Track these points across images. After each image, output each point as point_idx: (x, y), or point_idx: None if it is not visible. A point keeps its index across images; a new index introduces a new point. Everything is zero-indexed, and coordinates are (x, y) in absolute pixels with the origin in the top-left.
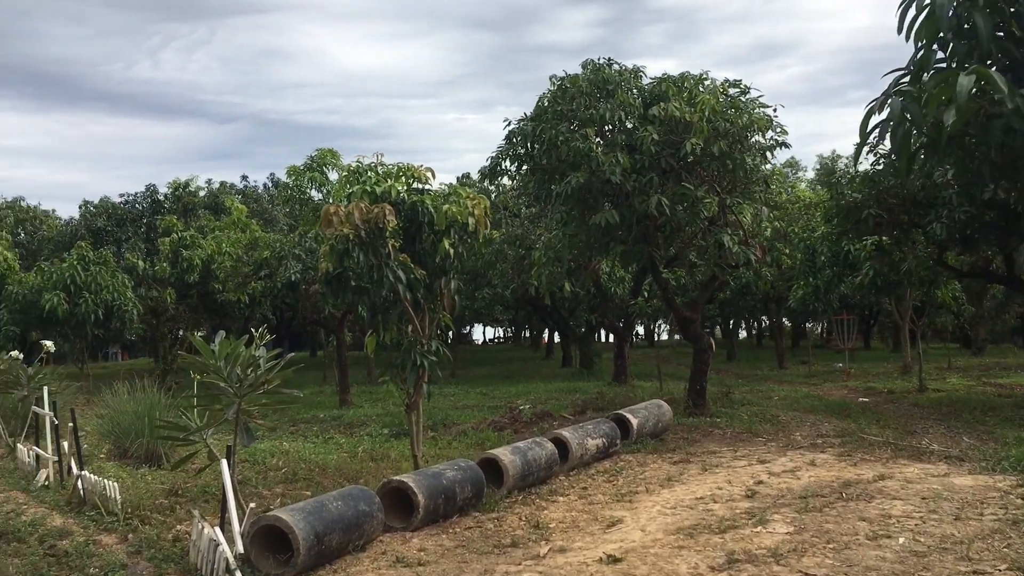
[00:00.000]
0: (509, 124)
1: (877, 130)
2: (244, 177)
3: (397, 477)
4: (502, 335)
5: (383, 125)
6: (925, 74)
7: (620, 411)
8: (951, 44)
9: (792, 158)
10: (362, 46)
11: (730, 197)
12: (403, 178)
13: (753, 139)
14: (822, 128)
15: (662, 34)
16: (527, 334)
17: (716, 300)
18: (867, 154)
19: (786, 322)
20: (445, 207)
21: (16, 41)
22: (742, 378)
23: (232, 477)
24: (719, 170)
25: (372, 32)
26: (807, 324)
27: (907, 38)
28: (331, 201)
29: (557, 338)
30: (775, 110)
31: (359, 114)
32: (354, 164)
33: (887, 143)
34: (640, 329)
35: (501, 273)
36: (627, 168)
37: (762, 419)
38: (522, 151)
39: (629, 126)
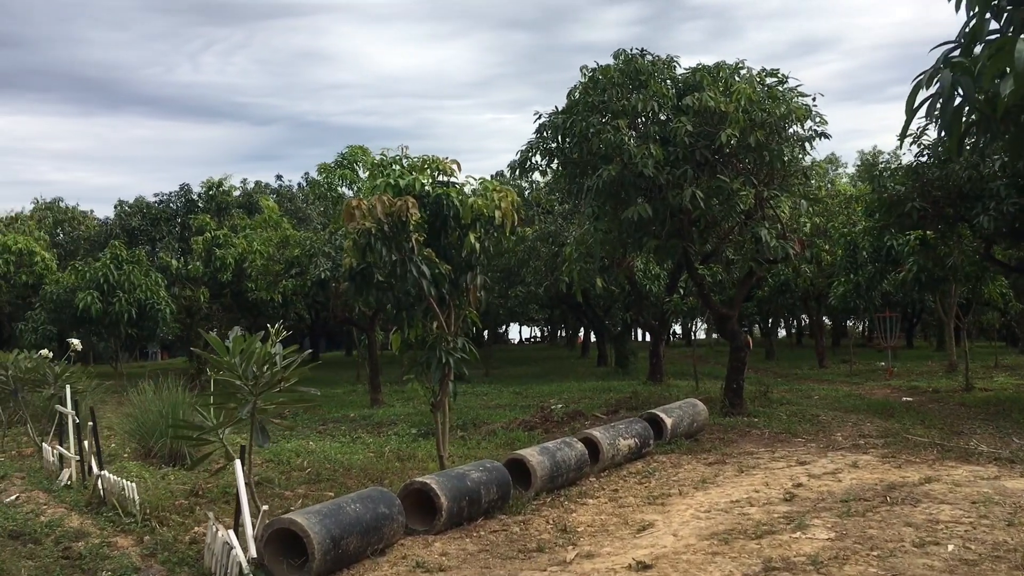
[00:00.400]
0: (540, 117)
1: (925, 106)
2: (279, 176)
3: (419, 478)
4: (538, 334)
5: (420, 125)
6: (978, 46)
7: (653, 410)
8: (1006, 12)
9: (832, 154)
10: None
11: (767, 190)
12: (428, 171)
13: (791, 130)
14: (862, 124)
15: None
16: (563, 333)
17: (754, 298)
18: (910, 145)
19: (826, 320)
20: (471, 200)
21: (59, 46)
22: (781, 377)
23: (250, 478)
24: (756, 162)
25: (408, 33)
26: (848, 322)
27: (957, 7)
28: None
29: (593, 337)
30: (814, 99)
31: (396, 115)
32: (379, 157)
33: (931, 134)
34: (677, 328)
35: (534, 271)
36: (660, 160)
37: (801, 419)
38: (553, 145)
39: (663, 117)
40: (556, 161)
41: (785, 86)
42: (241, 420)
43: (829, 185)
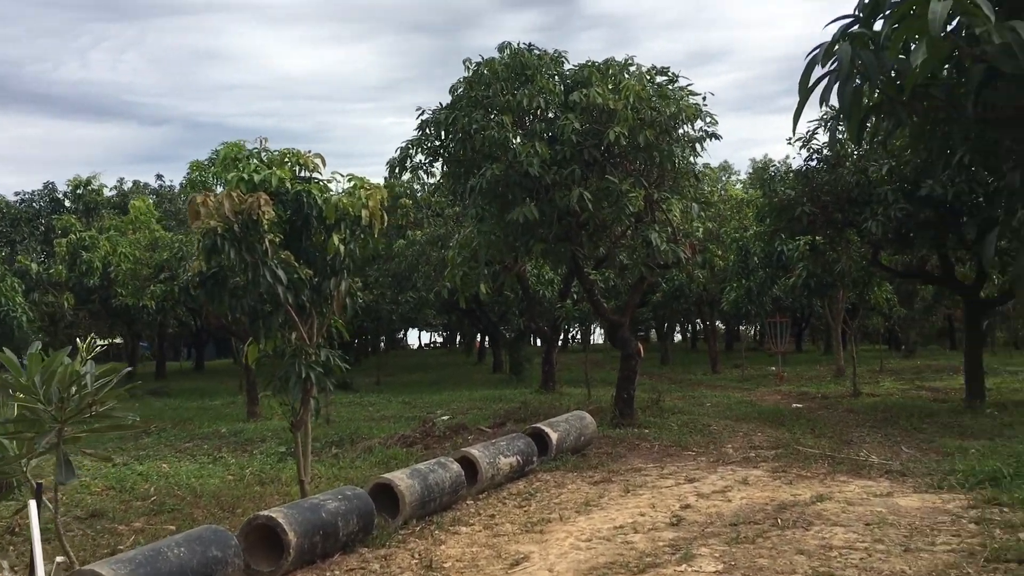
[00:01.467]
0: (423, 113)
1: (821, 87)
2: (159, 176)
3: (265, 511)
4: (438, 340)
5: (320, 129)
6: (879, 20)
7: (538, 424)
8: None
9: (725, 161)
10: (299, 49)
11: (658, 192)
12: (288, 165)
13: (681, 130)
14: (754, 134)
15: (599, 40)
16: (461, 339)
17: (649, 303)
18: (800, 150)
19: (719, 325)
20: (335, 198)
21: None
22: (675, 383)
23: (56, 519)
24: (646, 162)
25: (309, 35)
26: (740, 327)
27: None
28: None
29: (489, 343)
30: (704, 99)
31: (296, 117)
32: (234, 150)
33: (821, 138)
34: (576, 333)
35: (425, 275)
36: (546, 159)
37: (693, 429)
38: (436, 143)
39: (550, 115)
40: (440, 160)
41: (675, 85)
42: (44, 452)
43: (723, 191)
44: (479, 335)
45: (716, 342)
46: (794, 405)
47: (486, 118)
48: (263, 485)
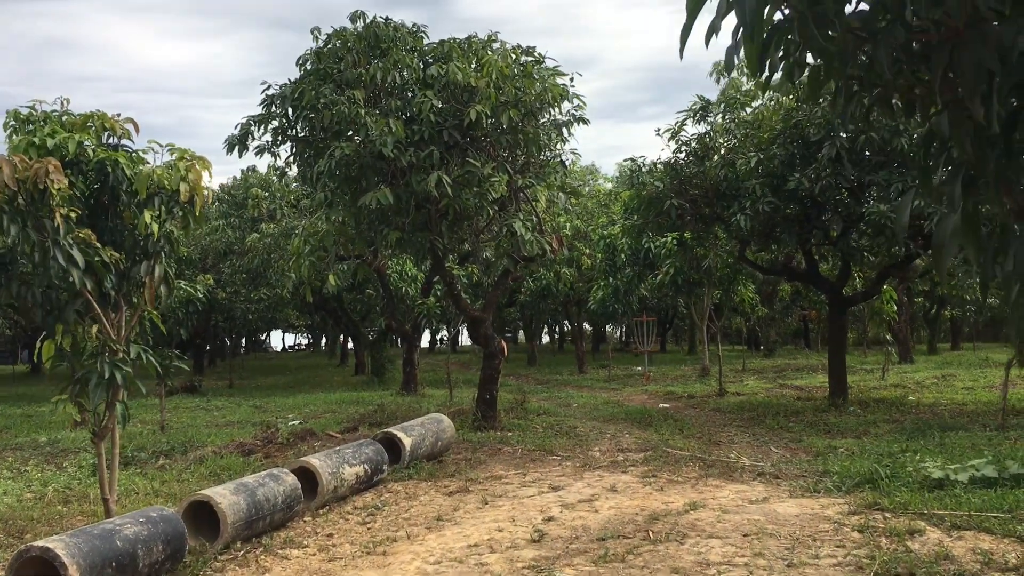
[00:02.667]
0: (268, 87)
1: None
2: None
3: (40, 542)
4: (304, 342)
5: (183, 123)
6: None
7: (390, 429)
8: None
9: (592, 163)
10: (162, 41)
11: (522, 178)
12: (92, 130)
13: (549, 116)
14: (620, 142)
15: None
16: (326, 341)
17: (516, 303)
18: (668, 141)
19: (586, 325)
20: (147, 169)
21: None
22: (541, 383)
23: None
24: (510, 146)
25: (171, 27)
26: (607, 327)
27: None
28: None
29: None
30: (571, 79)
31: (157, 111)
32: (25, 111)
33: (690, 129)
34: (444, 333)
35: (279, 270)
36: (402, 140)
37: (558, 432)
38: (284, 122)
39: (407, 93)
40: (286, 140)
41: (541, 66)
42: None
43: (589, 185)
44: (342, 336)
45: (583, 342)
46: (661, 405)
47: (336, 93)
48: (67, 504)
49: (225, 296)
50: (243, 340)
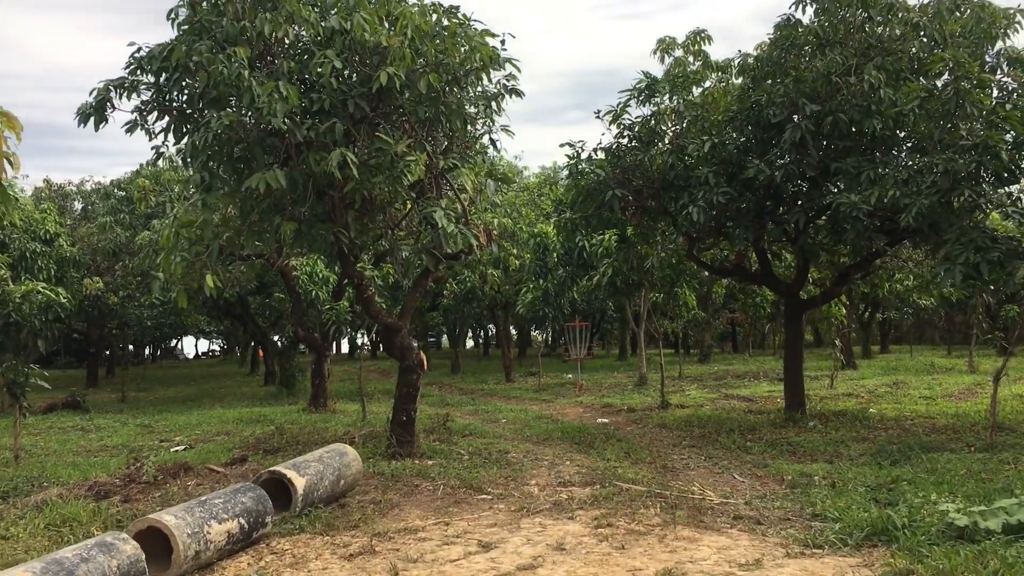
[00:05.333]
0: (139, 49)
1: None
2: None
3: None
4: (217, 349)
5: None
6: None
7: (279, 468)
8: None
9: (518, 157)
10: (71, 38)
11: (445, 159)
12: None
13: (477, 86)
14: (543, 146)
15: None
16: (239, 348)
17: (439, 306)
18: (609, 125)
19: (513, 330)
20: None
21: None
22: (466, 394)
23: None
24: (429, 118)
25: (82, 24)
26: (536, 331)
27: None
28: None
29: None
30: (503, 42)
31: (67, 110)
32: None
33: (633, 112)
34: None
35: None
36: (296, 108)
37: (487, 459)
38: (156, 90)
39: (304, 53)
40: (161, 113)
41: (467, 26)
42: None
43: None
44: (252, 343)
45: (510, 348)
46: (600, 420)
47: (213, 51)
48: None
49: (118, 301)
50: (149, 348)
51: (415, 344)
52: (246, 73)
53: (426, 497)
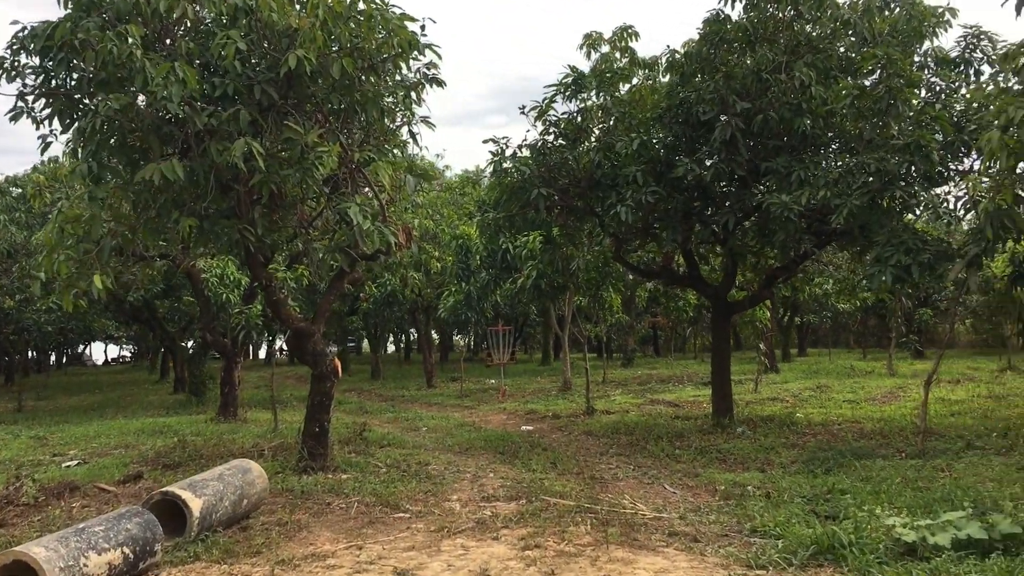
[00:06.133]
0: (23, 29)
1: None
2: None
3: None
4: (128, 355)
5: None
6: None
7: (172, 488)
8: None
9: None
10: None
11: (360, 151)
12: None
13: (396, 73)
14: (467, 148)
15: None
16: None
17: (359, 310)
18: (535, 122)
19: (435, 334)
20: None
21: None
22: (386, 400)
23: None
24: (343, 107)
25: None
26: (457, 335)
27: None
28: None
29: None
30: (423, 27)
31: None
32: None
33: (559, 108)
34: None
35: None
36: (196, 92)
37: (406, 472)
38: (40, 75)
39: (204, 34)
40: (49, 98)
41: (385, 10)
42: None
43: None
44: (163, 349)
45: (432, 353)
46: (524, 428)
47: (103, 28)
48: None
49: (14, 304)
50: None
51: (329, 350)
52: (139, 53)
53: (338, 517)
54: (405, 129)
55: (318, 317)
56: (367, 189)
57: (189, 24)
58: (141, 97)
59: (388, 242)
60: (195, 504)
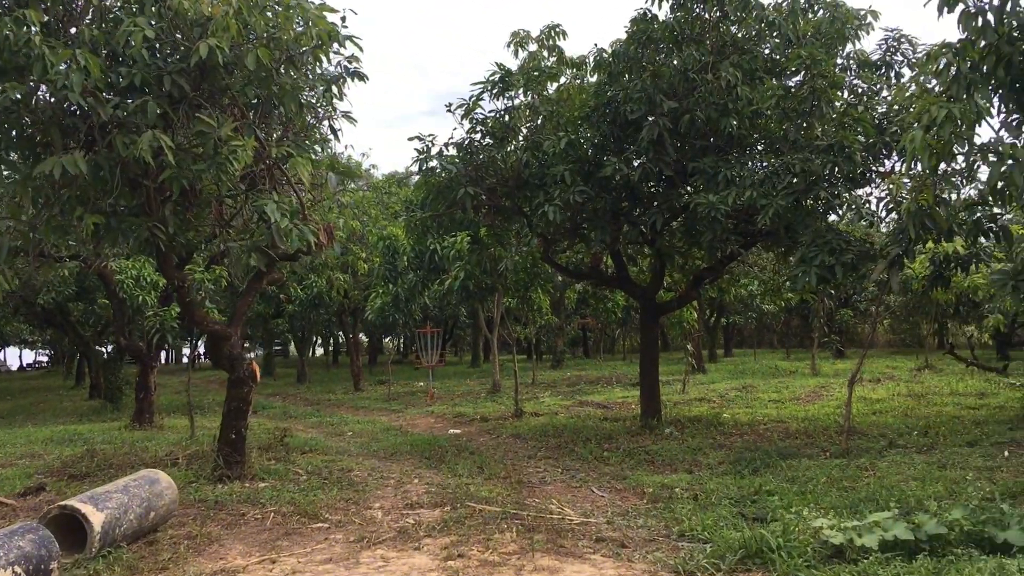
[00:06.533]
0: None
1: None
2: None
3: None
4: (44, 359)
5: None
6: None
7: (72, 501)
8: None
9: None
10: None
11: (277, 146)
12: None
13: (315, 67)
14: (399, 150)
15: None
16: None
17: (285, 313)
18: (462, 120)
19: (363, 337)
20: None
21: None
22: (312, 404)
23: None
24: (259, 100)
25: None
26: (386, 338)
27: None
28: None
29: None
30: (344, 19)
31: None
32: None
33: (486, 105)
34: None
35: None
36: (101, 82)
37: (327, 479)
38: None
39: (111, 21)
40: None
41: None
42: None
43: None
44: (77, 354)
45: (360, 356)
46: (451, 431)
47: (0, 13)
48: None
49: None
50: None
51: (247, 355)
52: (38, 40)
53: (252, 528)
54: (327, 124)
55: (235, 320)
56: (286, 185)
57: (94, 11)
58: (44, 87)
59: (308, 241)
60: (96, 518)
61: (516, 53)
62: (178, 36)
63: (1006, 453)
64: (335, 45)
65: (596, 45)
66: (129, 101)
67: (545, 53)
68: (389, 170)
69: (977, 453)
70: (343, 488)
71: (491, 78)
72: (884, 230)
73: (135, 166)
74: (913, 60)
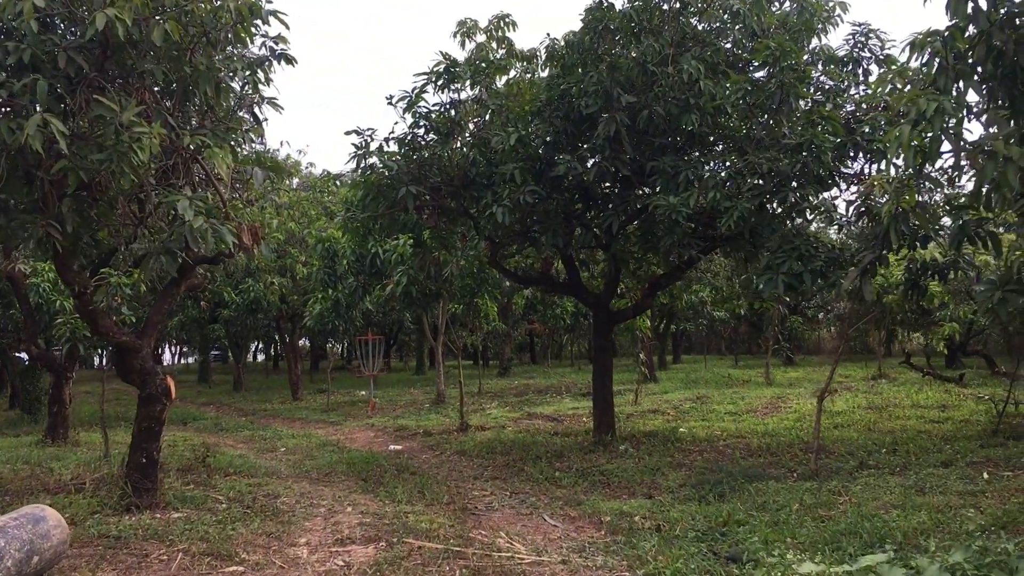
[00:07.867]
0: None
1: None
2: None
3: None
4: None
5: None
6: None
7: None
8: None
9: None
10: None
11: (193, 135)
12: None
13: (236, 46)
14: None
15: None
16: None
17: (220, 318)
18: (404, 114)
19: (305, 342)
20: None
21: None
22: (246, 415)
23: None
24: (170, 80)
25: None
26: (327, 345)
27: None
28: None
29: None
30: None
31: None
32: None
33: (430, 98)
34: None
35: None
36: None
37: (250, 508)
38: None
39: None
40: None
41: None
42: None
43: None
44: None
45: (299, 363)
46: (391, 447)
47: None
48: None
49: None
50: None
51: (160, 368)
52: None
53: (154, 572)
54: (251, 113)
55: (147, 330)
56: (204, 179)
57: None
58: None
59: (227, 243)
60: None
61: (463, 44)
62: (83, 10)
63: (985, 475)
64: (257, 22)
65: (548, 35)
66: (15, 81)
67: (494, 45)
68: (334, 167)
69: (954, 475)
70: (266, 519)
71: (435, 69)
72: (850, 235)
73: (31, 156)
74: (881, 56)
